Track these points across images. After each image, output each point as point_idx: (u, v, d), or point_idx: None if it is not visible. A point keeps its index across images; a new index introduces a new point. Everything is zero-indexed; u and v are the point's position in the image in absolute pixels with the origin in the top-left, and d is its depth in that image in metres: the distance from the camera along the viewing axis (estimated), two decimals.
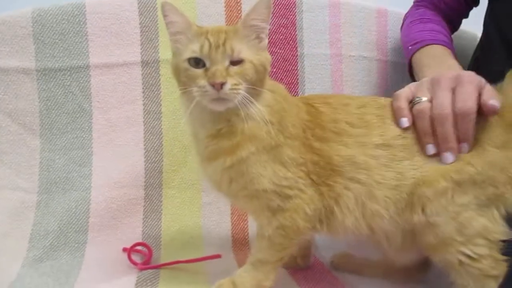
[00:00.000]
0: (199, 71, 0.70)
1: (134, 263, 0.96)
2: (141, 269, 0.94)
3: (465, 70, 0.86)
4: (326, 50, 1.19)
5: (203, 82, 0.69)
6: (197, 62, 0.71)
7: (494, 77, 0.78)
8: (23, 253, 0.96)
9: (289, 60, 1.16)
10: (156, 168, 1.08)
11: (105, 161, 1.06)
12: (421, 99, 0.77)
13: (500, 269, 0.71)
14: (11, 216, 0.99)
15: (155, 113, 1.09)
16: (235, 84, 0.68)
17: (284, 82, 1.15)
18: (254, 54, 0.72)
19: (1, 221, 0.98)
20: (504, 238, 0.72)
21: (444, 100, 0.74)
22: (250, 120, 0.72)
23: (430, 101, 0.76)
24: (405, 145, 0.75)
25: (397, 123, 0.76)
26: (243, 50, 0.70)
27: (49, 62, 1.05)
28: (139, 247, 1.01)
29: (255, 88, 0.71)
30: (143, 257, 1.00)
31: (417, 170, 0.74)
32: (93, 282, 0.88)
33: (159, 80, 1.09)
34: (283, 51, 1.15)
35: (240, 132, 0.73)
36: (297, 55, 1.17)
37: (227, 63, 0.69)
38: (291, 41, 1.16)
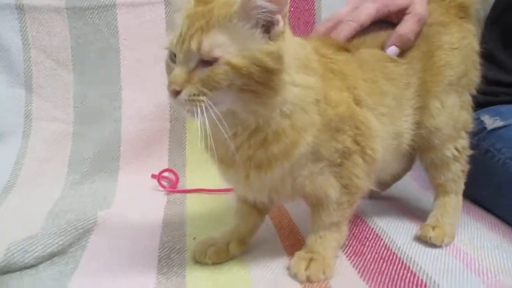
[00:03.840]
0: (172, 69, 0.59)
1: (163, 187, 1.07)
2: (169, 192, 1.05)
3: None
4: None
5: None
6: (172, 56, 0.59)
7: None
8: (63, 176, 1.08)
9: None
10: None
11: (133, 95, 1.15)
12: None
13: (467, 167, 0.86)
14: (51, 144, 1.11)
15: None
16: (194, 95, 0.55)
17: (301, 21, 1.19)
18: (242, 51, 0.55)
19: (43, 148, 1.10)
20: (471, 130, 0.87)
21: None
22: (293, 113, 0.61)
23: None
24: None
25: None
26: (222, 46, 0.55)
27: (78, 0, 1.11)
28: (166, 173, 1.11)
29: (258, 94, 0.57)
30: (170, 182, 1.10)
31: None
32: (128, 203, 0.99)
33: None
34: None
35: (290, 128, 0.62)
36: None
37: (193, 63, 0.56)
38: None
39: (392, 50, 0.76)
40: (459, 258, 0.76)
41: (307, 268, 0.68)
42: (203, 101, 0.55)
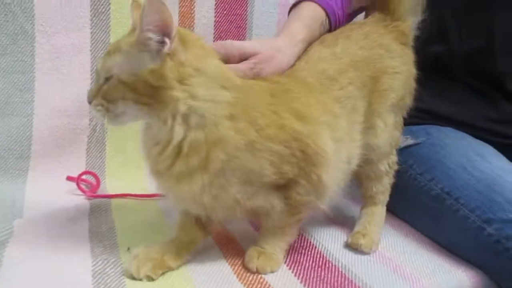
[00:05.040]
0: None
1: (83, 191, 0.98)
2: (90, 197, 0.96)
3: None
4: None
5: None
6: None
7: None
8: None
9: (239, 4, 1.19)
10: None
11: (48, 88, 1.02)
12: None
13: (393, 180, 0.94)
14: None
15: (103, 42, 1.07)
16: (97, 105, 0.66)
17: (233, 25, 1.18)
18: (132, 70, 0.63)
19: None
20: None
21: None
22: (205, 126, 0.65)
23: None
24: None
25: None
26: (117, 66, 0.64)
27: None
28: (85, 176, 1.02)
29: (151, 107, 0.64)
30: (88, 186, 1.02)
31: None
32: (44, 209, 0.88)
33: (109, 8, 1.06)
34: None
35: (204, 141, 0.65)
36: None
37: (101, 80, 0.66)
38: None
39: None
40: (386, 264, 0.82)
41: (257, 259, 0.75)
42: (100, 110, 0.66)
